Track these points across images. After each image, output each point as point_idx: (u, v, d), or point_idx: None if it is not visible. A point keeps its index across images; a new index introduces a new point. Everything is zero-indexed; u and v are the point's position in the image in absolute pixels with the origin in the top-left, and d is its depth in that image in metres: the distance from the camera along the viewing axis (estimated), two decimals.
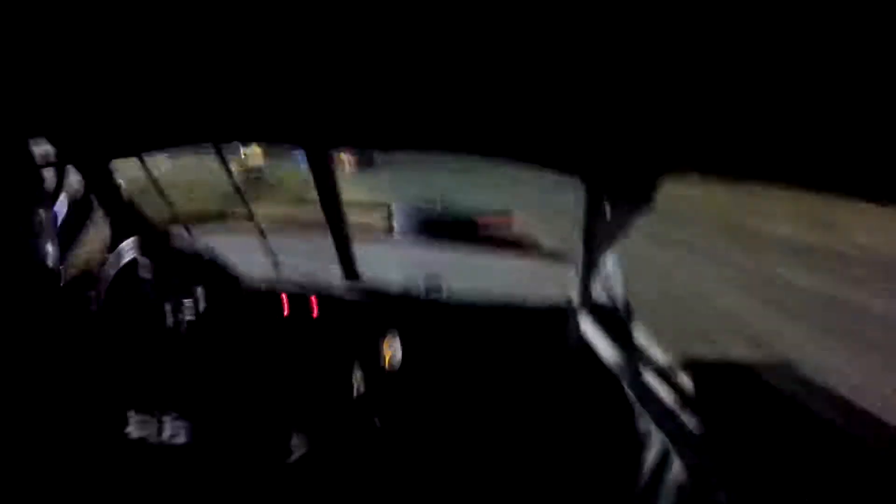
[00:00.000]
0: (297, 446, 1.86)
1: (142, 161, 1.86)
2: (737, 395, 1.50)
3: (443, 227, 2.73)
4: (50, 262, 1.22)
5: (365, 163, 18.03)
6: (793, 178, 1.07)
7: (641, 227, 1.67)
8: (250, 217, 2.19)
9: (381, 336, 2.05)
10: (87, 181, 1.58)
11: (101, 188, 1.70)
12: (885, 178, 0.88)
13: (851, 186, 0.94)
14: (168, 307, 1.82)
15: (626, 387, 1.67)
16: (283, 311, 2.14)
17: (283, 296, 2.15)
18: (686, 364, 1.66)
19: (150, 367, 1.70)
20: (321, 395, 2.02)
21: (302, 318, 2.13)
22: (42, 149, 1.31)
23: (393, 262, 2.52)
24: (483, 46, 0.92)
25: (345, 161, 17.76)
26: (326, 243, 2.06)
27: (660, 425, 1.46)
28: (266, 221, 2.43)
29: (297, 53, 1.02)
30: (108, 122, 1.49)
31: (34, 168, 1.27)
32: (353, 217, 2.73)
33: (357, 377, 2.01)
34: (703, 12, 0.72)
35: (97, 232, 1.70)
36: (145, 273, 1.78)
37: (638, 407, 1.59)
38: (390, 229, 2.86)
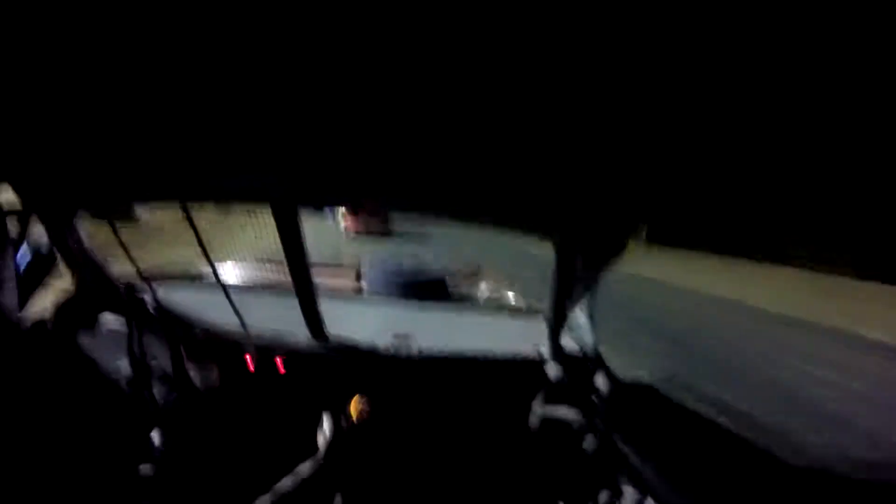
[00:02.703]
0: None
1: (107, 215, 1.84)
2: (712, 445, 1.52)
3: (411, 284, 2.74)
4: (10, 312, 1.17)
5: (376, 229, 14.98)
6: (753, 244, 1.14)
7: None
8: (216, 274, 2.15)
9: (350, 395, 2.00)
10: (50, 232, 1.55)
11: (63, 240, 1.66)
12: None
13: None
14: (130, 364, 1.75)
15: (597, 439, 1.67)
16: (248, 368, 2.07)
17: (248, 354, 2.10)
18: (656, 412, 1.68)
19: (109, 424, 1.61)
20: (288, 454, 1.93)
21: (268, 376, 2.07)
22: (5, 196, 1.28)
23: (361, 320, 2.49)
24: (453, 107, 0.97)
25: (347, 223, 14.95)
26: (293, 302, 2.03)
27: (632, 477, 1.46)
28: (233, 278, 2.39)
29: (262, 107, 1.04)
30: (72, 173, 1.48)
31: None
32: (321, 275, 2.72)
33: (325, 436, 1.94)
34: (669, 79, 0.79)
35: (59, 284, 1.65)
36: (106, 328, 1.72)
37: (611, 458, 1.58)
38: (359, 287, 2.86)
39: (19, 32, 0.76)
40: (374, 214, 14.71)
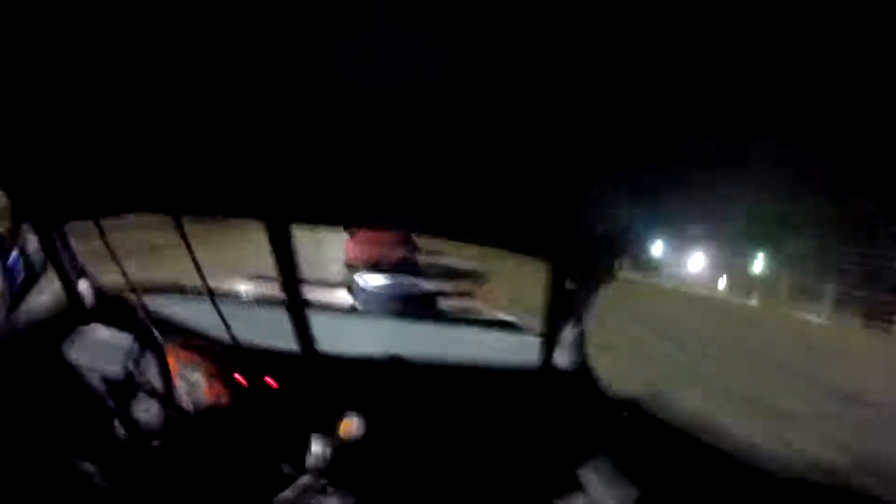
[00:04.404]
0: None
1: (98, 226, 1.82)
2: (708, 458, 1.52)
3: (404, 301, 2.73)
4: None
5: (392, 263, 10.81)
6: None
7: None
8: (208, 289, 2.13)
9: (342, 411, 1.97)
10: (43, 240, 1.54)
11: (55, 249, 1.64)
12: None
13: None
14: (120, 379, 1.72)
15: (588, 453, 1.68)
16: (239, 384, 2.04)
17: (238, 371, 2.06)
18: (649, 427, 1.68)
19: (95, 437, 1.57)
20: (280, 471, 1.89)
21: (258, 391, 2.03)
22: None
23: (354, 337, 2.47)
24: (448, 130, 0.98)
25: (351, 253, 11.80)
26: (285, 318, 2.01)
27: (623, 489, 1.47)
28: (225, 294, 2.37)
29: (258, 127, 1.05)
30: (66, 182, 1.47)
31: None
32: (314, 293, 2.70)
33: (318, 454, 1.90)
34: (652, 100, 0.80)
35: (49, 295, 1.62)
36: (95, 340, 1.69)
37: (603, 473, 1.58)
38: (352, 305, 2.84)
39: (20, 44, 0.77)
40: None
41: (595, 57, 0.70)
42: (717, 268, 16.24)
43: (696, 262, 16.30)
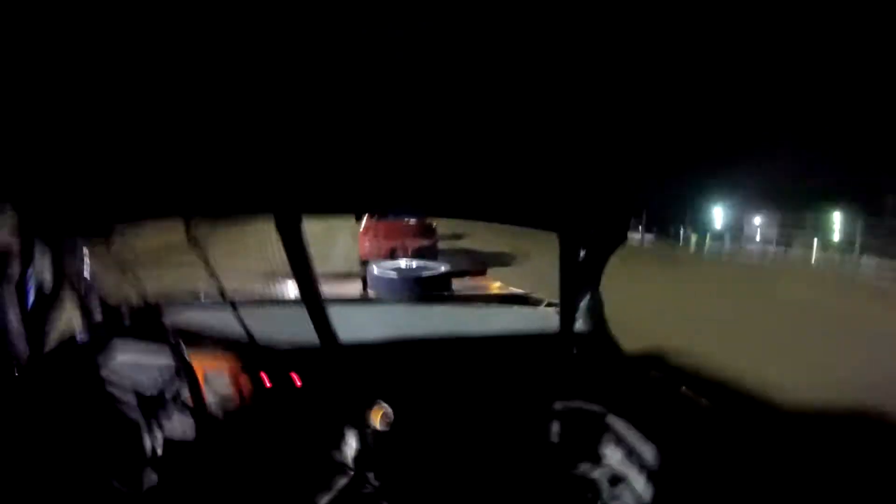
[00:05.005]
0: None
1: (107, 239, 1.84)
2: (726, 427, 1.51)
3: (417, 283, 2.73)
4: (16, 341, 1.17)
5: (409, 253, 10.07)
6: None
7: None
8: (224, 293, 2.15)
9: (370, 401, 1.99)
10: (55, 257, 1.56)
11: (68, 265, 1.67)
12: None
13: None
14: (151, 393, 1.74)
15: (615, 428, 1.69)
16: (264, 385, 2.06)
17: (263, 370, 2.09)
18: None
19: (133, 457, 1.59)
20: (317, 468, 1.92)
21: (285, 391, 2.05)
22: (7, 221, 1.29)
23: (372, 325, 2.49)
24: (457, 111, 0.97)
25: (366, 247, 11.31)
26: (302, 314, 2.02)
27: (647, 466, 1.48)
28: (240, 295, 2.40)
29: (265, 120, 1.05)
30: (74, 193, 1.49)
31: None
32: (329, 286, 2.72)
33: (354, 446, 1.92)
34: (662, 81, 0.79)
35: (66, 312, 1.65)
36: (124, 355, 1.71)
37: (629, 449, 1.60)
38: (365, 292, 2.86)
39: (23, 56, 0.77)
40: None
41: (608, 27, 0.69)
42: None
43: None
